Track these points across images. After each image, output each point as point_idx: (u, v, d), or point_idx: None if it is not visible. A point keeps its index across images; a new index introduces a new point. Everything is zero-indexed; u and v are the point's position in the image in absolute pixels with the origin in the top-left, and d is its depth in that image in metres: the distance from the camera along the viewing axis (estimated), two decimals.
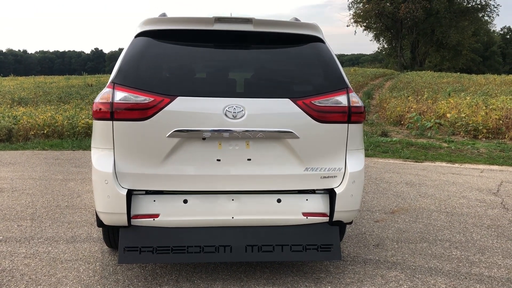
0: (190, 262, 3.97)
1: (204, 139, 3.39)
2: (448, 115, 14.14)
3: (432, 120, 14.01)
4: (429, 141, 12.00)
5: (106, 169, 3.35)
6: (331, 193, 3.61)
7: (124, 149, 3.38)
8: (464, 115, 13.79)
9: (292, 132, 3.41)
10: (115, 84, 3.38)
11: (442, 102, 17.03)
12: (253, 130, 3.37)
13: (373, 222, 5.41)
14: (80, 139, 12.32)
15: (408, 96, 20.45)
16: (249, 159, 3.47)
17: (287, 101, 3.43)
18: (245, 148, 3.45)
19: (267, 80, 3.64)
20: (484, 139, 12.56)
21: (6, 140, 12.19)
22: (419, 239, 4.83)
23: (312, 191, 3.66)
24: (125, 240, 3.48)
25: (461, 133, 13.17)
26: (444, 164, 9.38)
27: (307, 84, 3.65)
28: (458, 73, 41.59)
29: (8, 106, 19.31)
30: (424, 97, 19.62)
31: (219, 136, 3.36)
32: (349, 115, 3.52)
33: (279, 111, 3.42)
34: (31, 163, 8.85)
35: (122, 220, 3.42)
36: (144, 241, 3.48)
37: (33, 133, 12.56)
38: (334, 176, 3.57)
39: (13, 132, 12.48)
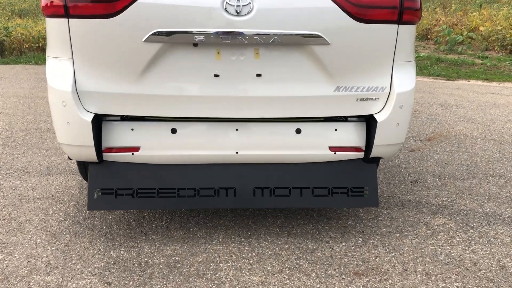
0: (181, 209, 3.13)
1: (196, 45, 2.43)
2: (482, 28, 12.76)
3: (464, 34, 12.66)
4: (460, 57, 10.89)
5: (63, 87, 2.46)
6: (369, 121, 2.71)
7: (86, 59, 2.45)
8: (500, 28, 12.40)
9: (320, 36, 2.42)
10: None
11: (474, 14, 15.49)
12: (265, 33, 2.39)
13: (407, 151, 4.54)
14: None
15: (435, 8, 18.79)
16: (258, 75, 2.52)
17: None
18: (253, 58, 2.50)
19: None
20: None
21: None
22: (466, 175, 3.98)
23: (344, 119, 2.76)
24: (96, 180, 2.67)
25: (496, 48, 11.92)
26: (480, 82, 8.36)
27: None
28: None
29: (7, 18, 18.23)
30: (452, 9, 17.95)
31: (217, 41, 2.39)
32: (401, 12, 2.52)
33: (302, 5, 2.41)
34: (19, 79, 8.01)
35: (89, 154, 2.59)
36: (121, 182, 2.68)
37: (27, 46, 11.67)
38: (375, 98, 2.63)
39: (5, 45, 11.58)
